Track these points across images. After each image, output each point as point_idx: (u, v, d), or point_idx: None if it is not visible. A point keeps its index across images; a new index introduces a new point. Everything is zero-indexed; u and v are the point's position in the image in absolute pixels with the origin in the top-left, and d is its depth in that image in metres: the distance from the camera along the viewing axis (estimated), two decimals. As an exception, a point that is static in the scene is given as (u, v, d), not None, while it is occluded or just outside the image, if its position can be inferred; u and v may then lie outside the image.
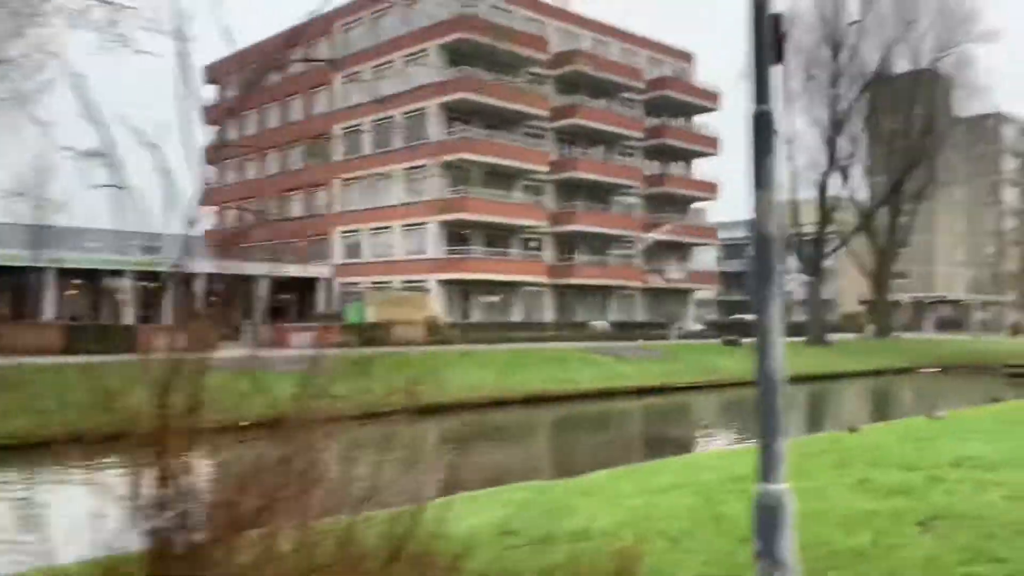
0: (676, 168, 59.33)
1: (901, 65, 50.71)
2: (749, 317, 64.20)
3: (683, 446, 18.12)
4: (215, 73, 63.22)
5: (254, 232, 56.62)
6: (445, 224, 44.68)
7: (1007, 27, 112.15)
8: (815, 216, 48.55)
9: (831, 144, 45.41)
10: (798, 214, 46.15)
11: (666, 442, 19.43)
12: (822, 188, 45.82)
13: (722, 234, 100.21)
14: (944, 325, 74.69)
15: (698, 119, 60.55)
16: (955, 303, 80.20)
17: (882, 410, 28.53)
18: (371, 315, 37.20)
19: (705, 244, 62.73)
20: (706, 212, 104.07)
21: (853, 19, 44.46)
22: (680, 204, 59.11)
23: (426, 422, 21.82)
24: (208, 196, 61.91)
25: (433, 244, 44.87)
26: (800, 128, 53.98)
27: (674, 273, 57.08)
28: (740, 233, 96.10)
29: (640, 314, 56.18)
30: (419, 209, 45.45)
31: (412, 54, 46.32)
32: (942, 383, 38.69)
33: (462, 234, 45.68)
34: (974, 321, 78.24)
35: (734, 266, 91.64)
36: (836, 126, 45.29)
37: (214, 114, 62.96)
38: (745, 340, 43.91)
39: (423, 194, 45.37)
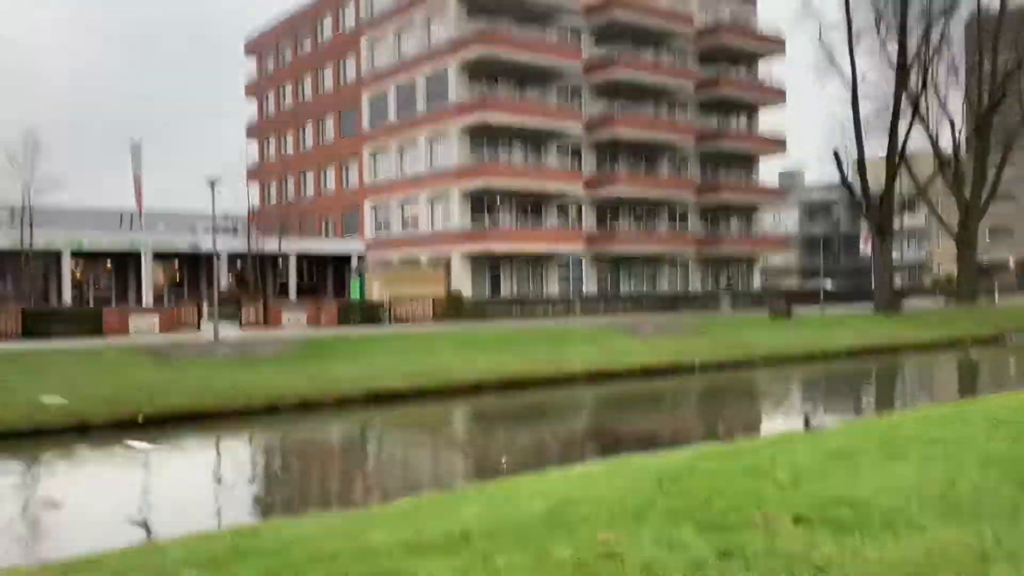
0: (738, 122, 54.32)
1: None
2: (827, 284, 58.93)
3: (609, 448, 14.70)
4: (254, 44, 62.18)
5: (291, 209, 55.56)
6: (469, 193, 41.76)
7: None
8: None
9: (900, 86, 39.81)
10: (864, 168, 40.90)
11: (600, 443, 16.01)
12: (891, 136, 40.31)
13: (804, 196, 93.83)
14: (1054, 288, 66.81)
15: (762, 67, 55.23)
16: (1069, 263, 71.68)
17: (900, 396, 23.91)
18: (376, 291, 34.79)
19: (771, 205, 57.40)
20: (803, 174, 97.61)
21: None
22: (743, 162, 54.12)
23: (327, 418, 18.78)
24: (250, 172, 61.30)
25: (457, 214, 42.06)
26: (867, 69, 48.18)
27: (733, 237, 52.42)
28: (825, 196, 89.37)
29: (696, 284, 51.92)
30: (443, 177, 42.70)
31: (432, 10, 43.32)
32: (1018, 355, 33.35)
33: (490, 203, 42.70)
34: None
35: (816, 230, 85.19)
36: (905, 66, 39.63)
37: (254, 87, 62.34)
38: (801, 311, 39.44)
39: (447, 161, 42.57)
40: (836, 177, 42.95)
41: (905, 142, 40.50)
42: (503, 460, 14.41)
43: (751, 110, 54.30)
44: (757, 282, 56.20)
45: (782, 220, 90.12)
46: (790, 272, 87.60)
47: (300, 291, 48.33)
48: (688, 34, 49.39)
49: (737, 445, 9.84)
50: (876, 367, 29.72)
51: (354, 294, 35.51)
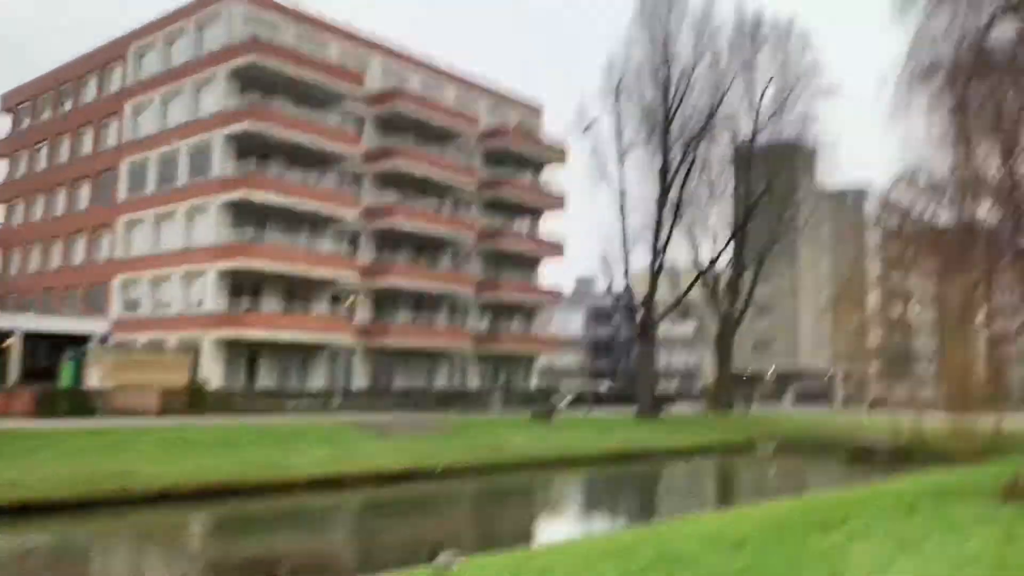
0: (521, 224, 55.08)
1: (746, 123, 48.30)
2: (603, 387, 59.75)
3: None
4: (9, 102, 56.29)
5: (27, 282, 49.35)
6: (227, 273, 38.58)
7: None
8: (663, 280, 44.95)
9: (662, 200, 41.77)
10: (628, 276, 42.13)
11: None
12: (654, 247, 41.94)
13: (592, 301, 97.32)
14: (805, 397, 72.16)
15: (548, 172, 56.78)
16: (819, 375, 78.13)
17: (616, 510, 22.90)
18: (97, 377, 30.55)
19: (555, 307, 58.17)
20: (597, 279, 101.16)
21: (686, 66, 41.45)
22: (525, 263, 54.63)
23: None
24: (-7, 238, 54.47)
25: (212, 296, 38.63)
26: (637, 182, 50.53)
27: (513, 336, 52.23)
28: (609, 301, 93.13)
29: (474, 381, 50.91)
30: (199, 255, 39.31)
31: (202, 80, 40.75)
32: (761, 465, 34.54)
33: (252, 286, 39.67)
34: (837, 394, 76.19)
35: (601, 333, 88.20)
36: (667, 182, 41.73)
37: (6, 147, 56.11)
38: (564, 412, 39.15)
39: (206, 238, 39.31)
40: (618, 282, 44.02)
41: (663, 252, 42.19)
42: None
43: (534, 213, 55.34)
44: (534, 382, 56.10)
45: (569, 323, 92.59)
46: (576, 373, 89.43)
47: (30, 376, 42.24)
48: (473, 134, 49.84)
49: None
50: (617, 474, 29.39)
51: (66, 380, 31.03)
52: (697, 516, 14.17)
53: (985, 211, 25.77)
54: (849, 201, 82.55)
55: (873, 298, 62.94)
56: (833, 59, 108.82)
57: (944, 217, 29.71)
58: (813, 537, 10.05)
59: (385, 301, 46.00)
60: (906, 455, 35.27)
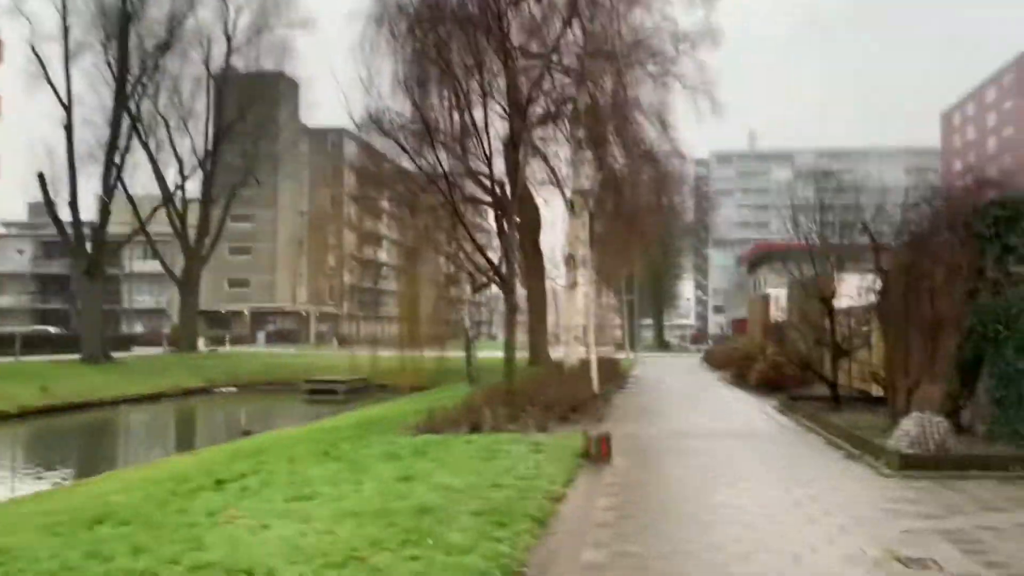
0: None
1: (222, 45, 45.13)
2: (54, 330, 52.03)
3: None
4: None
5: None
6: None
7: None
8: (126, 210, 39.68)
9: (118, 116, 36.72)
10: (76, 200, 36.32)
11: None
12: (107, 168, 36.77)
13: (45, 230, 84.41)
14: (281, 337, 72.50)
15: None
16: (295, 314, 79.27)
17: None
18: None
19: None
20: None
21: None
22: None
23: None
24: None
25: None
26: (82, 91, 42.87)
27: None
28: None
29: None
30: None
31: None
32: (220, 405, 33.19)
33: None
34: (311, 333, 78.23)
35: (56, 268, 77.16)
36: (125, 96, 36.77)
37: None
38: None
39: None
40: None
41: (119, 176, 37.37)
42: None
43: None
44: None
45: (14, 255, 79.07)
46: (20, 314, 76.69)
47: None
48: None
49: None
50: (39, 431, 25.18)
51: None
52: (81, 483, 11.83)
53: (441, 156, 26.90)
54: (329, 141, 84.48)
55: (349, 240, 64.92)
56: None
57: (406, 162, 30.65)
58: (201, 498, 8.59)
59: None
60: (362, 389, 36.98)
